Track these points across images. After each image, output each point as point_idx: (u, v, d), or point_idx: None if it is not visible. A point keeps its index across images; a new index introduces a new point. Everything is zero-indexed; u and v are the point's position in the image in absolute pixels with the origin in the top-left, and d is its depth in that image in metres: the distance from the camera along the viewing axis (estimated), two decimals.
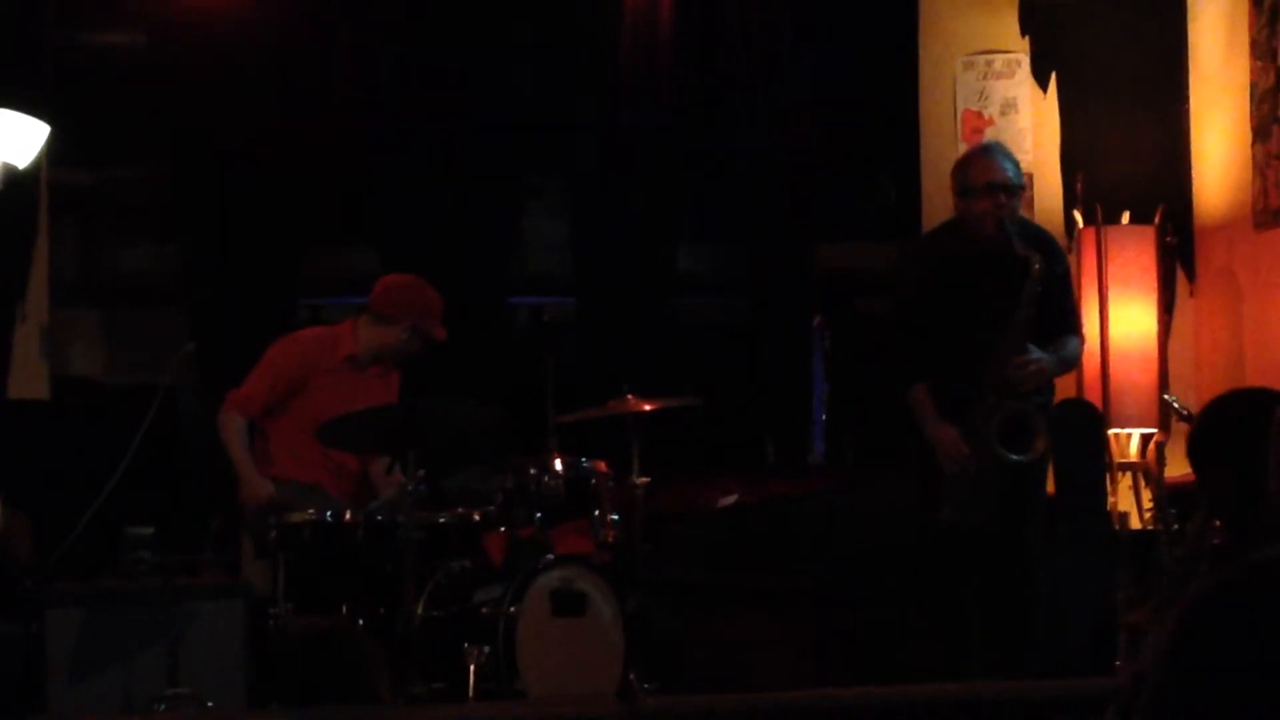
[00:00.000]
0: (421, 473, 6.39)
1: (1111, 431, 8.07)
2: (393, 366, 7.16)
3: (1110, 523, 7.74)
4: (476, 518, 6.68)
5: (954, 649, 6.68)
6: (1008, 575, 6.70)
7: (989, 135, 8.58)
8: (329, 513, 6.51)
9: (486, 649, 6.17)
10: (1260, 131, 8.04)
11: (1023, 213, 8.50)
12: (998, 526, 6.60)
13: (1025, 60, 8.67)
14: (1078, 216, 8.41)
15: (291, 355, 7.06)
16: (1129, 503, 8.07)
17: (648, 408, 6.87)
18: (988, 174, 6.63)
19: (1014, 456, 6.53)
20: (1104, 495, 7.85)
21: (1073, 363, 6.97)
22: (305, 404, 6.95)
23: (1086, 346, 8.06)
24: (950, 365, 6.61)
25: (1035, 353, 6.54)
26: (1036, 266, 6.45)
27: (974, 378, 6.55)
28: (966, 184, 6.68)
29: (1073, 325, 6.91)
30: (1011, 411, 6.55)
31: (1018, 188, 6.70)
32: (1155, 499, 7.89)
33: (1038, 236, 6.87)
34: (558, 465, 6.66)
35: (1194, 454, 3.36)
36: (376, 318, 7.08)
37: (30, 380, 8.12)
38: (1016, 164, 6.77)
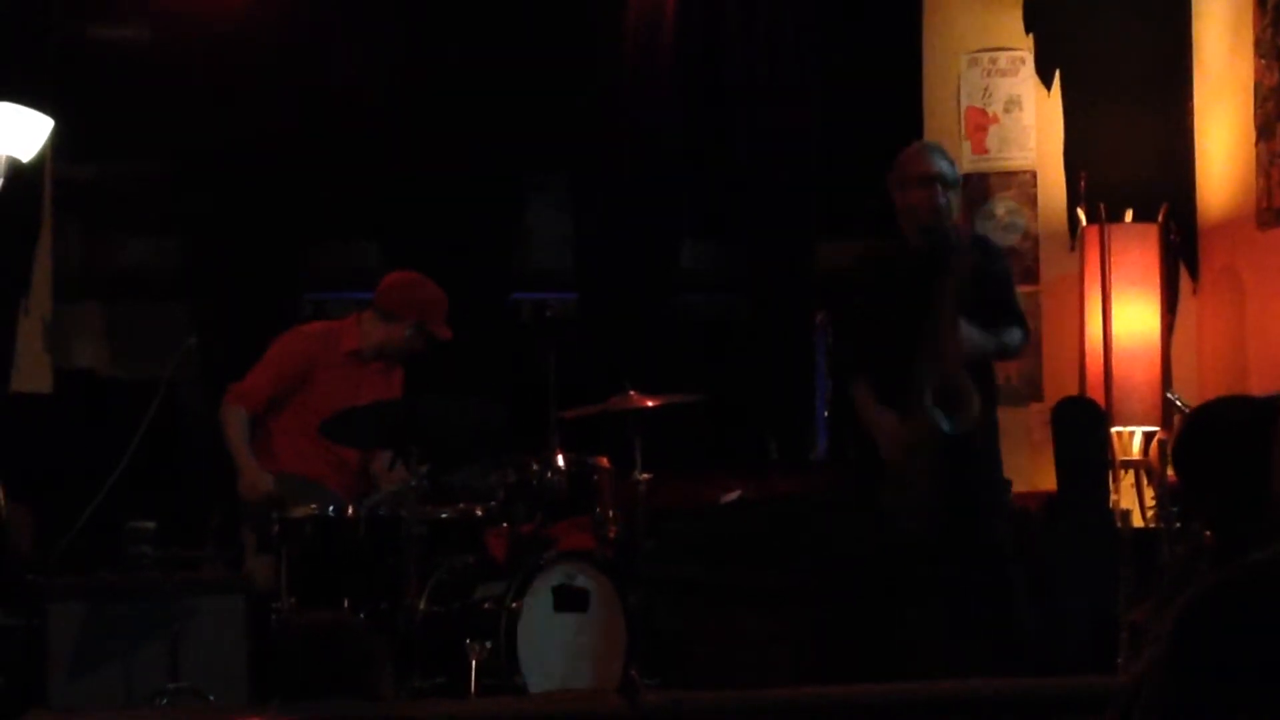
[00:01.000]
0: (425, 468, 6.40)
1: (1114, 429, 8.07)
2: (396, 363, 7.16)
3: (1113, 520, 7.75)
4: (479, 513, 6.68)
5: (952, 646, 6.70)
6: (982, 579, 6.71)
7: (992, 133, 8.60)
8: (331, 508, 6.51)
9: (488, 644, 6.17)
10: (1264, 130, 8.04)
11: (1025, 210, 8.53)
12: (942, 519, 6.61)
13: (1029, 58, 8.67)
14: (1081, 214, 8.41)
15: (295, 349, 7.07)
16: (1131, 501, 8.07)
17: (650, 404, 6.87)
18: (922, 166, 6.73)
19: (946, 424, 6.56)
20: (1106, 493, 7.85)
21: (1013, 350, 6.96)
22: (307, 398, 6.96)
23: (1089, 345, 8.09)
24: (894, 361, 6.66)
25: (968, 329, 6.59)
26: (986, 263, 6.59)
27: (913, 373, 6.62)
28: (903, 177, 6.76)
29: (1015, 318, 6.96)
30: (944, 381, 6.58)
31: (954, 181, 6.78)
32: (1158, 497, 7.89)
33: (974, 236, 7.00)
34: (560, 461, 6.66)
35: (1179, 462, 3.37)
36: (381, 314, 7.09)
37: (33, 374, 8.12)
38: (952, 163, 6.86)
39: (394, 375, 7.17)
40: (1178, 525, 6.96)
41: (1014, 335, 6.86)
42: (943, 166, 6.76)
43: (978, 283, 6.62)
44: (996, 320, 6.77)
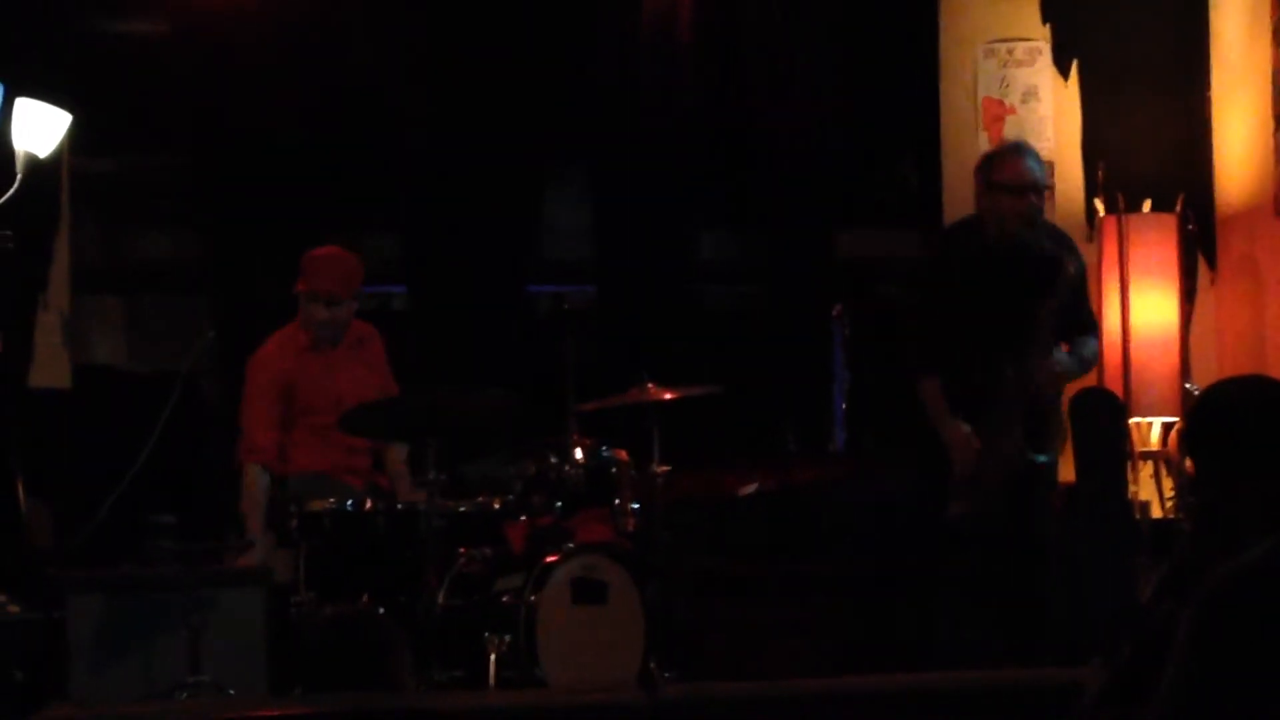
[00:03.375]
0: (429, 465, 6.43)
1: (1133, 420, 8.06)
2: (355, 340, 7.18)
3: (1132, 511, 7.74)
4: (497, 506, 6.69)
5: (973, 636, 6.70)
6: (1022, 571, 6.72)
7: (1010, 123, 8.57)
8: (350, 501, 6.52)
9: (507, 637, 6.18)
10: None
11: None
12: (1006, 525, 6.63)
13: (1046, 48, 8.66)
14: (1099, 205, 8.40)
15: (265, 378, 7.09)
16: (1150, 491, 8.07)
17: (668, 396, 6.87)
18: (1019, 175, 6.69)
19: (1040, 458, 6.58)
20: (1125, 484, 7.84)
21: (1091, 363, 7.07)
22: (300, 403, 7.02)
23: (1108, 336, 8.08)
24: (968, 360, 6.63)
25: (1060, 356, 6.60)
26: (1071, 268, 6.52)
27: (992, 374, 6.57)
28: (995, 181, 6.70)
29: (1092, 325, 6.99)
30: (1035, 415, 6.59)
31: (1045, 188, 6.78)
32: (1176, 487, 7.89)
33: (1059, 236, 6.92)
34: (578, 453, 6.66)
35: (1190, 440, 3.36)
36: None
37: (52, 369, 8.13)
38: (1043, 164, 6.85)
39: (365, 351, 7.20)
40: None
41: (1090, 347, 6.90)
42: (1037, 174, 6.72)
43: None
44: (1074, 327, 6.78)
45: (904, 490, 7.29)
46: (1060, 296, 6.55)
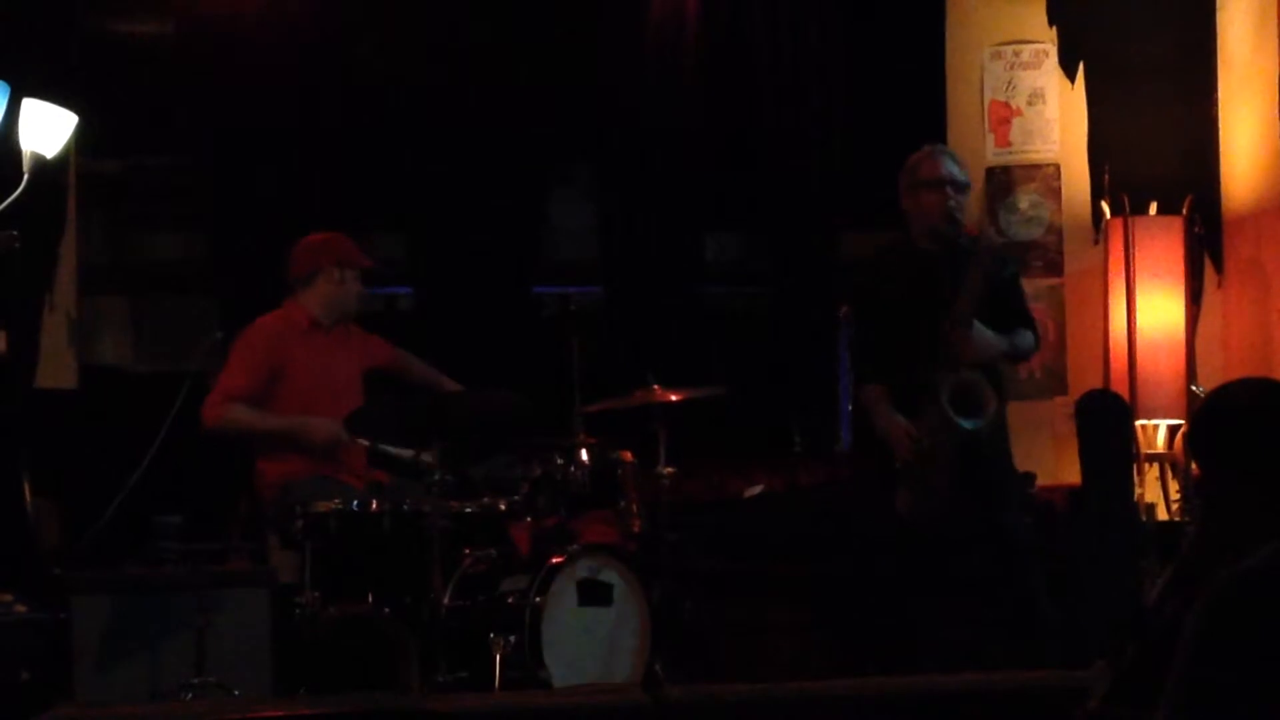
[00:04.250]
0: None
1: (1139, 423, 8.07)
2: (350, 325, 7.19)
3: (1137, 514, 7.75)
4: (502, 507, 6.69)
5: (968, 637, 6.72)
6: (1000, 567, 6.73)
7: (1016, 126, 8.59)
8: (355, 502, 6.52)
9: (512, 638, 6.18)
10: None
11: (1049, 203, 8.52)
12: (959, 513, 6.64)
13: (1053, 50, 8.67)
14: (1105, 207, 8.40)
15: (256, 342, 7.08)
16: (1156, 494, 8.07)
17: (674, 397, 6.88)
18: (936, 170, 6.82)
19: (966, 424, 6.59)
20: (1131, 486, 7.84)
21: (1025, 351, 7.06)
22: (288, 386, 7.00)
23: (1114, 338, 8.09)
24: (907, 363, 6.67)
25: (983, 329, 6.64)
26: (990, 263, 6.61)
27: (929, 375, 6.62)
28: (916, 180, 6.83)
29: (1027, 321, 7.01)
30: (960, 381, 6.61)
31: (965, 185, 6.86)
32: (1182, 490, 7.89)
33: (983, 241, 7.04)
34: (584, 455, 6.67)
35: (1195, 441, 3.36)
36: (306, 283, 7.14)
37: (58, 370, 8.14)
38: (963, 168, 6.94)
39: (352, 338, 7.22)
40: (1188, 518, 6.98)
41: (1026, 338, 6.94)
42: (953, 170, 6.86)
43: (990, 288, 6.67)
44: (1007, 325, 6.82)
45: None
46: (973, 277, 6.61)
